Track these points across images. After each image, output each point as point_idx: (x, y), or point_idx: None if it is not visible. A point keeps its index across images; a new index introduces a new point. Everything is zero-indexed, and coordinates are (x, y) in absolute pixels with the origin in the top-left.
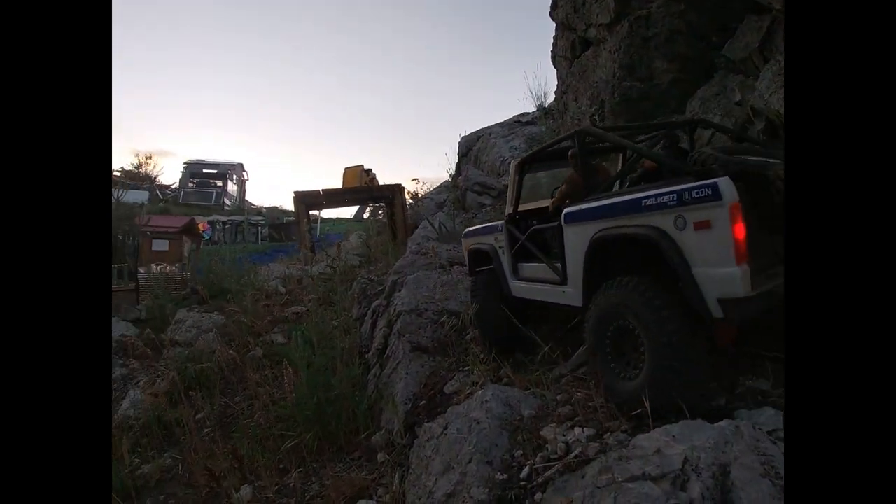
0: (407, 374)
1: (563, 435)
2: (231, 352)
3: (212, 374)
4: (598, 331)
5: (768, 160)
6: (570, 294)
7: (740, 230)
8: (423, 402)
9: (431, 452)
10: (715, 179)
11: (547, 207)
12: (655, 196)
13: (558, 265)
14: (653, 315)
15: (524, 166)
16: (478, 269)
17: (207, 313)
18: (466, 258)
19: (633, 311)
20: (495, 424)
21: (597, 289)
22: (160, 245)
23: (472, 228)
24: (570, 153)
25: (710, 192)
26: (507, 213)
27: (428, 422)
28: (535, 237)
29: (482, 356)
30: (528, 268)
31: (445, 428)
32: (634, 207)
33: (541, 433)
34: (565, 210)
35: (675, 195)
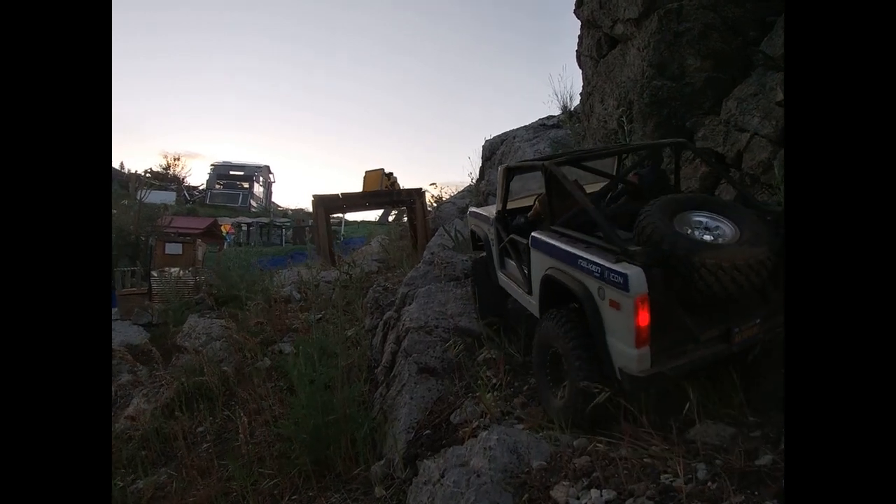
0: (411, 398)
1: (577, 498)
2: (224, 368)
3: (213, 386)
4: (540, 354)
5: (711, 236)
6: (534, 305)
7: (643, 319)
8: (427, 431)
9: (427, 501)
10: (626, 271)
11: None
12: (587, 261)
13: (527, 275)
14: (567, 345)
15: (510, 172)
16: (479, 243)
17: (219, 319)
18: (469, 235)
19: (557, 340)
20: (498, 478)
21: (546, 308)
22: (173, 248)
23: (475, 210)
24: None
25: (621, 281)
26: (496, 211)
27: (430, 455)
28: (513, 244)
29: (494, 381)
30: (510, 265)
31: (443, 475)
32: (573, 262)
33: (551, 493)
34: (532, 234)
35: (599, 269)
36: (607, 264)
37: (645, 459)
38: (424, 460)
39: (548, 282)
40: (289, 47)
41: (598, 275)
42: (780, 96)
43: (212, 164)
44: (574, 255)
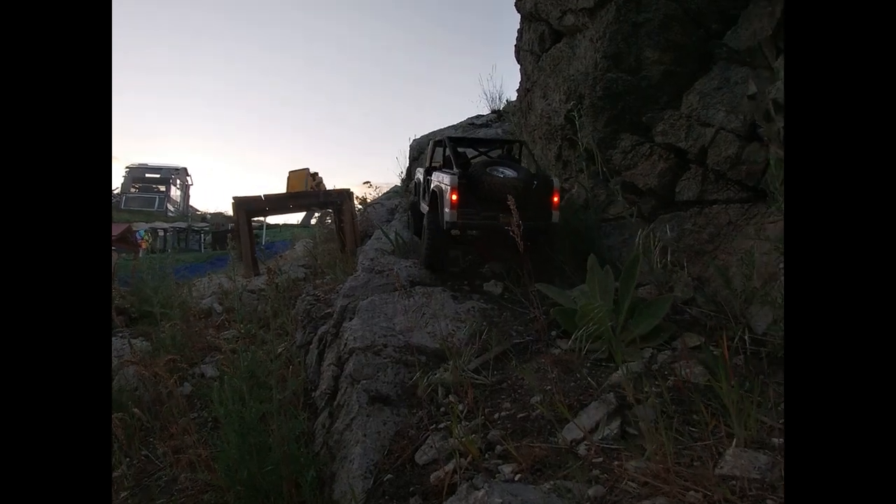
0: (364, 435)
1: None
2: (135, 410)
3: (126, 423)
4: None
5: (496, 171)
6: (426, 209)
7: (454, 196)
8: (389, 476)
9: None
10: (449, 178)
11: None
12: (442, 176)
13: (427, 191)
14: (425, 223)
15: (434, 144)
16: (417, 190)
17: (133, 339)
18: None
19: (429, 219)
20: None
21: (429, 207)
22: None
23: (419, 169)
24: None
25: (448, 182)
26: (426, 167)
27: None
28: (427, 182)
29: (460, 408)
30: (427, 198)
31: None
32: (440, 179)
33: None
34: (433, 171)
35: (444, 179)
36: (447, 176)
37: None
38: None
39: (433, 192)
40: (213, 41)
41: (444, 182)
42: (754, 89)
43: (126, 167)
44: (441, 175)
